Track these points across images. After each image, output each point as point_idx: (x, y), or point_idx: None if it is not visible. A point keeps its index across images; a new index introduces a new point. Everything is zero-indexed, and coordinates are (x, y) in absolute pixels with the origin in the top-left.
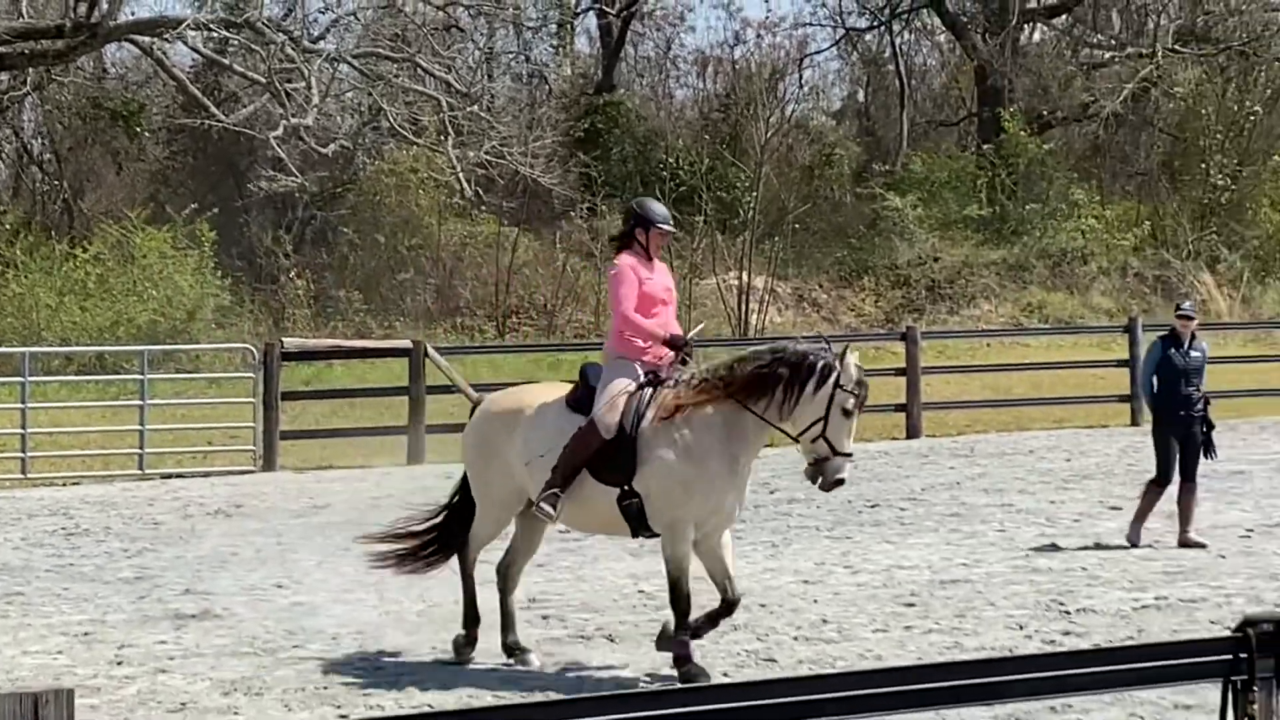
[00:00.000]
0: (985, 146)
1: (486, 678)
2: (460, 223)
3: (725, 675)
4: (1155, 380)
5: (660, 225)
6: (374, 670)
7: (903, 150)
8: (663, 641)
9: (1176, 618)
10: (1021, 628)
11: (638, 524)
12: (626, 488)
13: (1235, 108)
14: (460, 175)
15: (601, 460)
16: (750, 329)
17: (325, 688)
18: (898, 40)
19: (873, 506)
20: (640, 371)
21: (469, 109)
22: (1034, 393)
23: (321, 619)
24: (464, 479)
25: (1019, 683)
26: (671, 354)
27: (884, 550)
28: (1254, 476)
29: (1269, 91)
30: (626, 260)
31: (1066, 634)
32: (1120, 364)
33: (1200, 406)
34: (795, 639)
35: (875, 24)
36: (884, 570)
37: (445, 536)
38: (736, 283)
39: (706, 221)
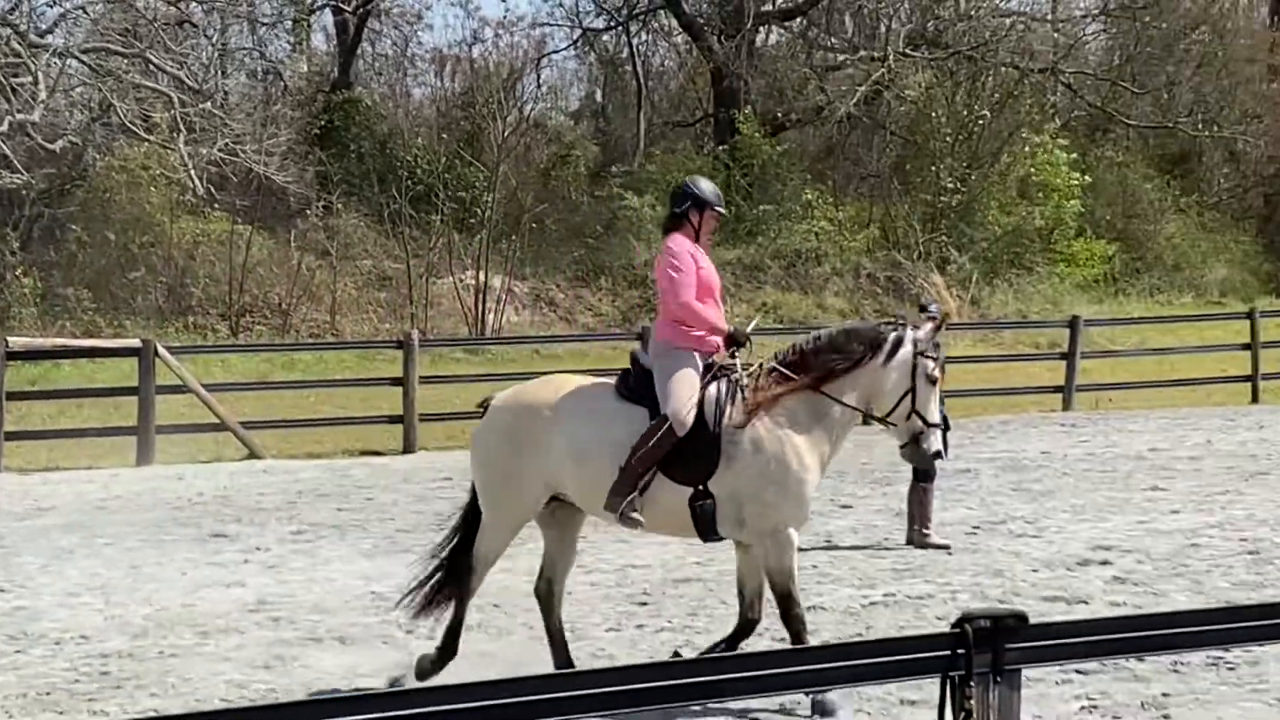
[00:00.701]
0: (721, 148)
1: (211, 682)
2: (193, 221)
3: (456, 676)
4: None
5: (717, 208)
6: (99, 675)
7: (640, 151)
8: None
9: (904, 614)
10: None
11: (709, 527)
12: (701, 488)
13: (964, 111)
14: (192, 173)
15: (675, 457)
16: (487, 328)
17: (48, 693)
18: (635, 41)
19: None
20: (700, 363)
21: (202, 106)
22: None
23: (44, 623)
24: (471, 500)
25: (742, 680)
26: (721, 347)
27: (618, 550)
28: (981, 474)
29: (997, 96)
30: (684, 244)
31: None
32: None
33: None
34: (529, 639)
35: (612, 24)
36: (618, 570)
37: (457, 565)
38: (473, 282)
39: (444, 220)
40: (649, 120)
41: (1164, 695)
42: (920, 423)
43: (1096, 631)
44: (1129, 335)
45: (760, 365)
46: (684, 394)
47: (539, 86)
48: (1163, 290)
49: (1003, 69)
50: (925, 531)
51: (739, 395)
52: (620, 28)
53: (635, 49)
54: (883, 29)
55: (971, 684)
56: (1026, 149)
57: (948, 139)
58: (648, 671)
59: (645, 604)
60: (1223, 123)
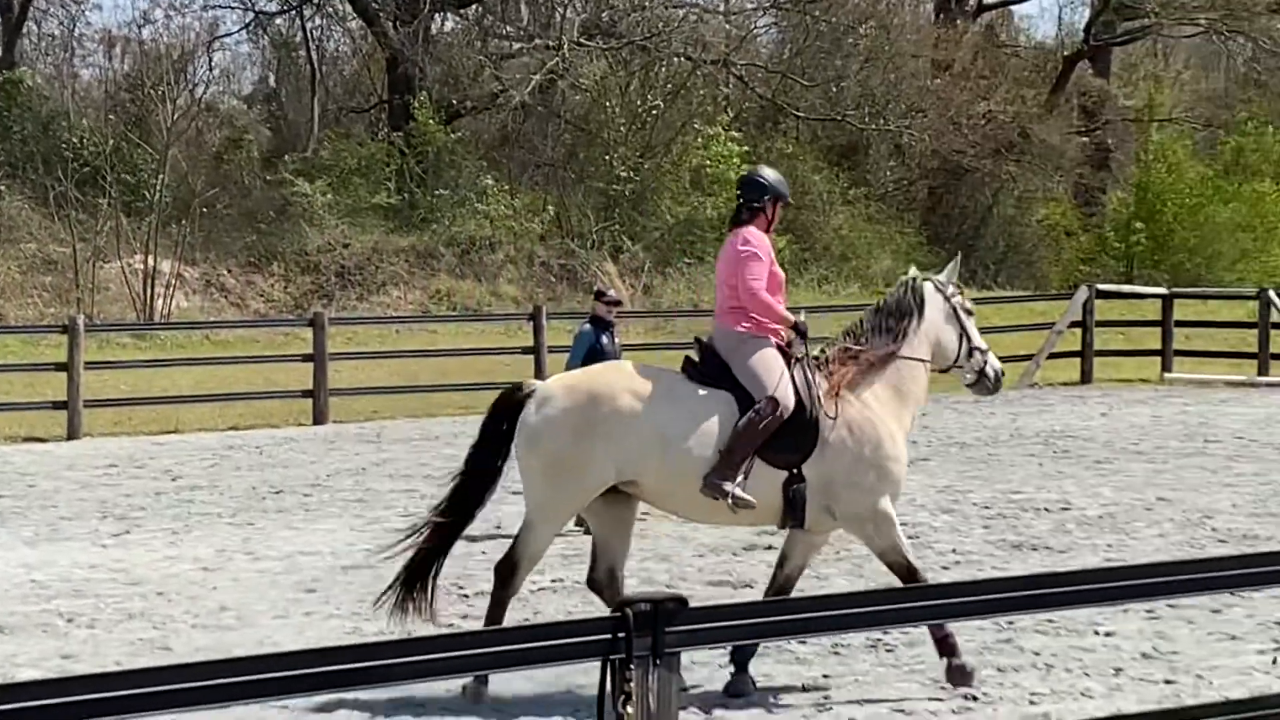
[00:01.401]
0: (396, 134)
1: None
2: None
3: (118, 663)
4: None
5: (789, 199)
6: None
7: (314, 136)
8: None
9: (573, 599)
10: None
11: (800, 512)
12: (795, 471)
13: (638, 101)
14: None
15: (774, 441)
16: (156, 313)
17: None
18: (309, 26)
19: (277, 493)
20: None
21: None
22: (441, 379)
23: None
24: (463, 487)
25: (407, 665)
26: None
27: (286, 537)
28: None
29: (670, 86)
30: (759, 236)
31: (465, 617)
32: (526, 351)
33: None
34: (193, 626)
35: (286, 8)
36: (286, 557)
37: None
38: (141, 267)
39: (111, 204)
40: (323, 106)
41: (825, 677)
42: (980, 356)
43: (755, 614)
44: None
45: (823, 350)
46: (777, 377)
47: (211, 69)
48: (830, 280)
49: (676, 59)
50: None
51: (819, 379)
52: (294, 12)
53: (309, 33)
54: (558, 18)
55: (631, 667)
56: (699, 139)
57: (621, 128)
58: (310, 657)
59: (314, 590)
60: (889, 116)
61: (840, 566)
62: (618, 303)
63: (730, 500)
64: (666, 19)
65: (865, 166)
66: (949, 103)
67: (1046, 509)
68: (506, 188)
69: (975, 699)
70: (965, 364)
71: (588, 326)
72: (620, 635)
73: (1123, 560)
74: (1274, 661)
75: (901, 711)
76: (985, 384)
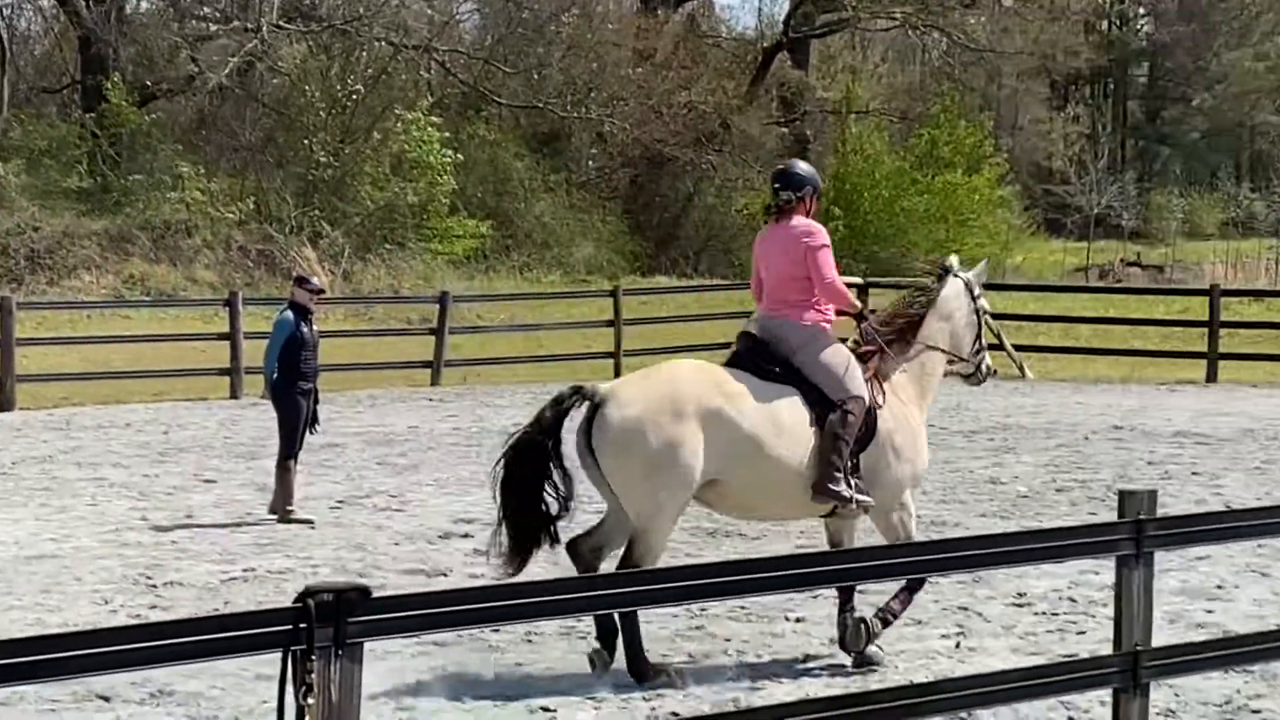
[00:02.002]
0: (89, 115)
1: None
2: None
3: None
4: (283, 354)
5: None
6: None
7: (3, 116)
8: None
9: (264, 589)
10: (107, 602)
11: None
12: (855, 462)
13: (338, 86)
14: None
15: None
16: None
17: None
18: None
19: None
20: None
21: None
22: (134, 365)
23: None
24: (526, 496)
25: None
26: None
27: None
28: (348, 449)
29: (370, 71)
30: (820, 228)
31: (153, 608)
32: (222, 337)
33: (315, 380)
34: None
35: None
36: None
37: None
38: None
39: None
40: (14, 85)
41: (517, 665)
42: (984, 354)
43: (442, 604)
44: (498, 311)
45: (852, 340)
46: (856, 374)
47: None
48: (532, 268)
49: (377, 44)
50: (289, 507)
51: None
52: None
53: (0, 11)
54: (257, 1)
55: (313, 658)
56: (399, 125)
57: (321, 113)
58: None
59: None
60: (591, 104)
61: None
62: (321, 291)
63: (854, 504)
64: (368, 3)
65: (567, 154)
66: (650, 92)
67: None
68: (203, 171)
69: (672, 686)
70: (972, 360)
71: (288, 314)
72: (302, 626)
73: (814, 548)
74: (956, 645)
75: (592, 699)
76: (978, 376)
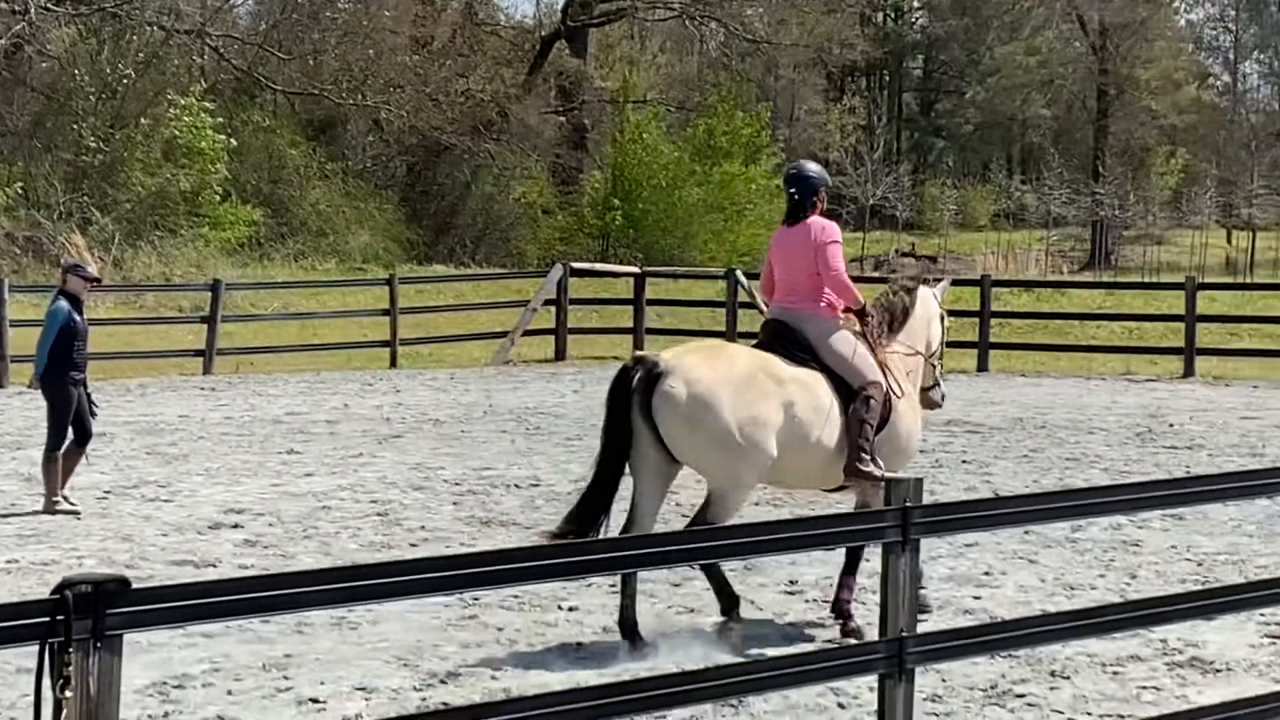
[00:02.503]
0: None
1: None
2: None
3: None
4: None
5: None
6: None
7: None
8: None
9: (28, 581)
10: None
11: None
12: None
13: (109, 70)
14: None
15: None
16: None
17: None
18: None
19: None
20: None
21: None
22: None
23: None
24: (608, 467)
25: None
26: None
27: None
28: (117, 438)
29: (141, 55)
30: (834, 226)
31: None
32: None
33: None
34: None
35: None
36: None
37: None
38: None
39: None
40: None
41: (286, 656)
42: (939, 363)
43: (205, 594)
44: (272, 299)
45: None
46: (872, 363)
47: None
48: (307, 255)
49: (149, 28)
50: (55, 497)
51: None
52: None
53: None
54: None
55: (71, 650)
56: (171, 111)
57: (91, 97)
58: None
59: None
60: (367, 91)
61: (306, 545)
62: (97, 279)
63: (883, 481)
64: None
65: (343, 141)
66: (427, 80)
67: (517, 485)
68: None
69: (448, 678)
70: (935, 365)
71: (63, 303)
72: (59, 618)
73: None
74: (727, 631)
75: (362, 689)
76: (937, 391)
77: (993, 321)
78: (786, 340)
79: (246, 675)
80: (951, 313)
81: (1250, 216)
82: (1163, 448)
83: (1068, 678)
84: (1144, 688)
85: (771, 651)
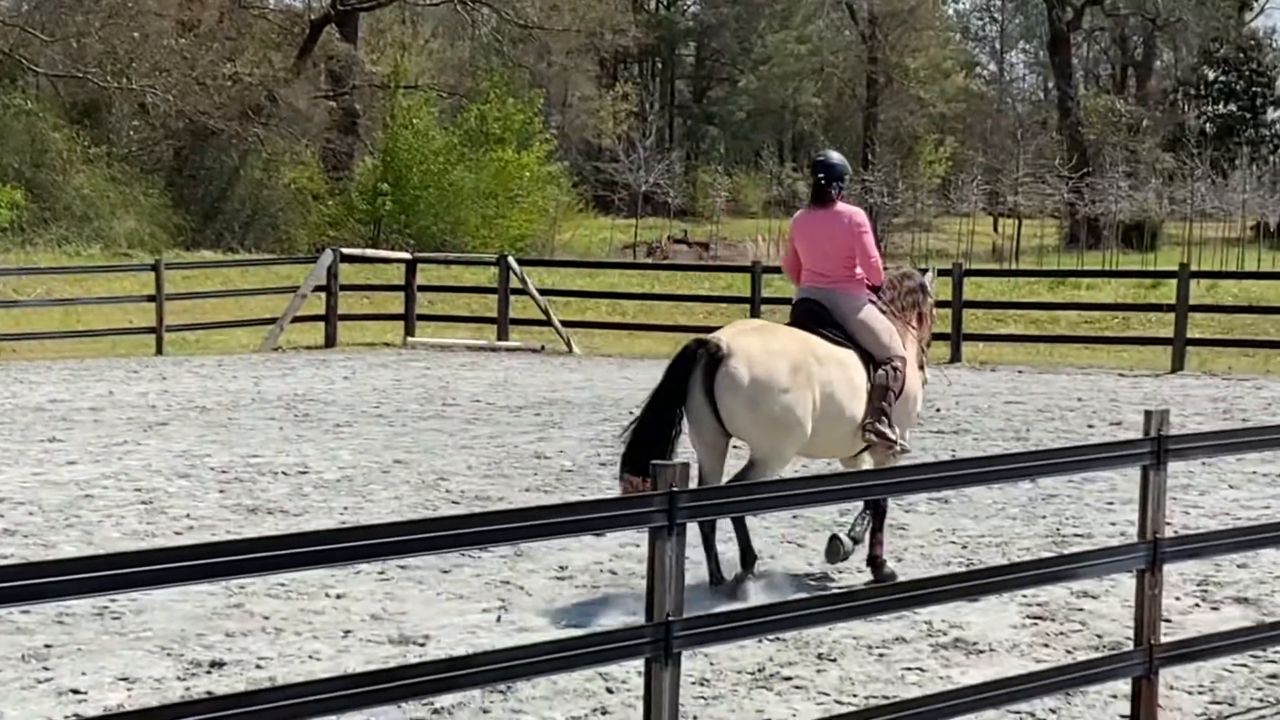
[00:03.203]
0: None
1: None
2: None
3: None
4: None
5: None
6: None
7: None
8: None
9: None
10: None
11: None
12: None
13: None
14: None
15: None
16: None
17: None
18: None
19: None
20: None
21: None
22: None
23: None
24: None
25: None
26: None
27: None
28: None
29: None
30: (863, 214)
31: None
32: None
33: None
34: None
35: None
36: None
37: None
38: None
39: None
40: None
41: (47, 646)
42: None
43: None
44: (35, 285)
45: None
46: (896, 338)
47: None
48: (71, 241)
49: None
50: None
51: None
52: None
53: None
54: None
55: None
56: None
57: None
58: None
59: None
60: (132, 75)
61: (68, 534)
62: None
63: (899, 447)
64: None
65: (108, 125)
66: (194, 63)
67: (284, 473)
68: None
69: (213, 667)
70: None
71: None
72: None
73: (358, 522)
74: (498, 619)
75: (125, 679)
76: (926, 374)
77: (764, 308)
78: (820, 318)
79: (5, 666)
80: (723, 299)
81: (1016, 204)
82: (929, 432)
83: (834, 660)
84: (909, 669)
85: (540, 637)
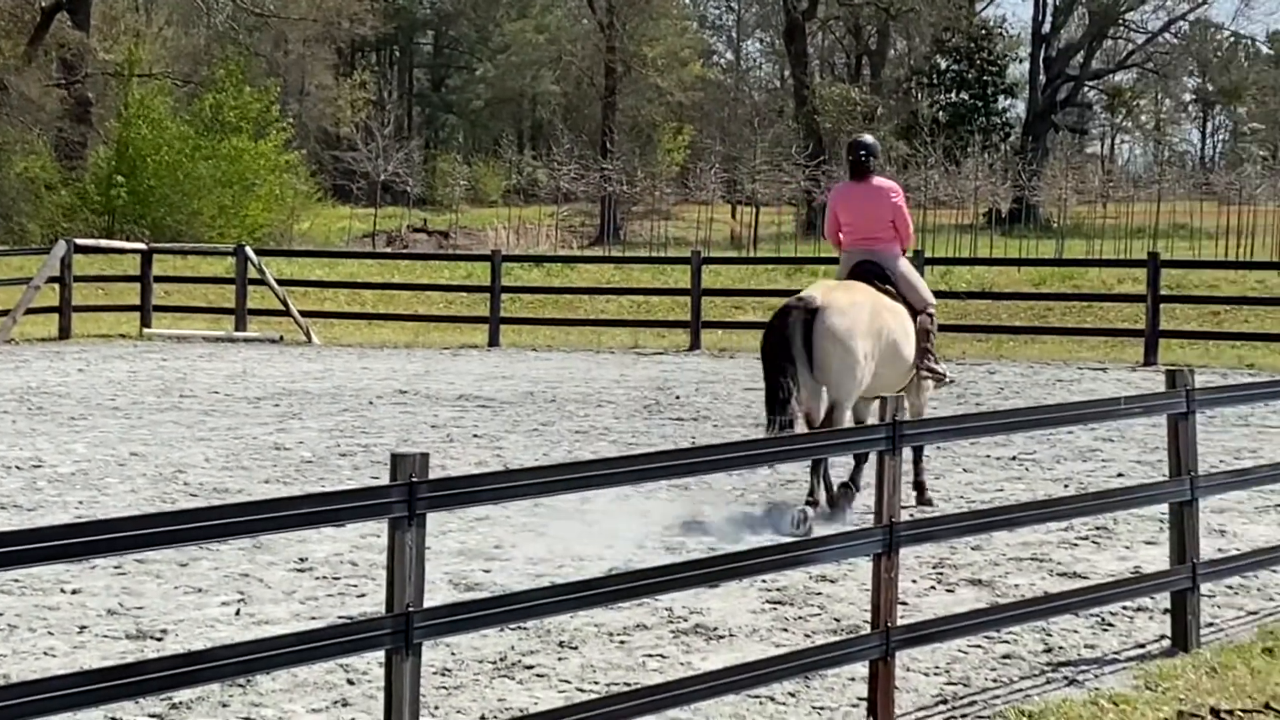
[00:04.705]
0: None
1: None
2: None
3: None
4: None
5: None
6: None
7: None
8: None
9: None
10: None
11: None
12: None
13: None
14: None
15: None
16: None
17: None
18: None
19: None
20: None
21: None
22: None
23: None
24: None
25: None
26: None
27: None
28: None
29: None
30: (898, 187)
31: None
32: None
33: None
34: None
35: None
36: None
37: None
38: None
39: None
40: None
41: None
42: None
43: None
44: None
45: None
46: (928, 287)
47: None
48: None
49: None
50: None
51: None
52: None
53: None
54: None
55: None
56: None
57: None
58: None
59: None
60: None
61: None
62: None
63: (948, 378)
64: None
65: None
66: None
67: (17, 467)
68: None
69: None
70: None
71: None
72: None
73: (94, 517)
74: (237, 613)
75: None
76: None
77: (504, 296)
78: (872, 273)
79: None
80: (463, 288)
81: (754, 192)
82: (669, 419)
83: (576, 648)
84: (650, 655)
85: (279, 630)
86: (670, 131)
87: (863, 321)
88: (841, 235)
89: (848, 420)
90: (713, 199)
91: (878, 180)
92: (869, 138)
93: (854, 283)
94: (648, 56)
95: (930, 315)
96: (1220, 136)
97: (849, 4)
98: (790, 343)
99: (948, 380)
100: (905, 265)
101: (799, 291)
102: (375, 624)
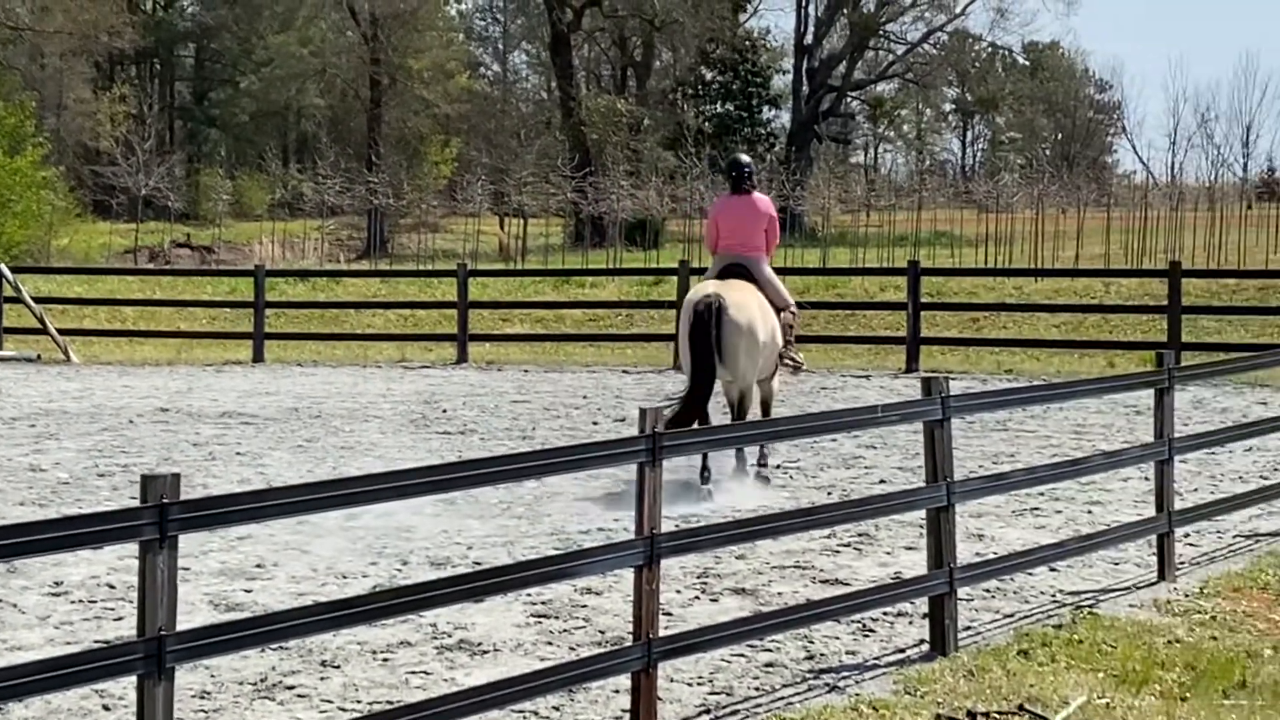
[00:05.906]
0: None
1: None
2: None
3: None
4: None
5: None
6: None
7: None
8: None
9: None
10: None
11: None
12: None
13: None
14: None
15: None
16: None
17: None
18: None
19: None
20: None
21: None
22: None
23: None
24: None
25: None
26: None
27: None
28: None
29: None
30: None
31: None
32: None
33: None
34: None
35: None
36: None
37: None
38: None
39: None
40: None
41: None
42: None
43: None
44: None
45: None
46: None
47: None
48: None
49: None
50: None
51: None
52: None
53: None
54: None
55: None
56: None
57: None
58: None
59: None
60: None
61: None
62: None
63: (803, 366)
64: None
65: None
66: None
67: None
68: None
69: None
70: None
71: None
72: None
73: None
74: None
75: None
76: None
77: (269, 311)
78: (740, 274)
79: None
80: (227, 304)
81: (521, 204)
82: (436, 433)
83: (338, 667)
84: (414, 672)
85: (32, 656)
86: (437, 144)
87: (758, 315)
88: (719, 240)
89: (755, 399)
90: (480, 211)
91: (757, 195)
92: (746, 157)
93: (737, 281)
94: (413, 69)
95: (794, 313)
96: (979, 146)
97: (614, 16)
98: (710, 338)
99: (805, 369)
100: (769, 270)
101: (523, 306)
102: (127, 648)
